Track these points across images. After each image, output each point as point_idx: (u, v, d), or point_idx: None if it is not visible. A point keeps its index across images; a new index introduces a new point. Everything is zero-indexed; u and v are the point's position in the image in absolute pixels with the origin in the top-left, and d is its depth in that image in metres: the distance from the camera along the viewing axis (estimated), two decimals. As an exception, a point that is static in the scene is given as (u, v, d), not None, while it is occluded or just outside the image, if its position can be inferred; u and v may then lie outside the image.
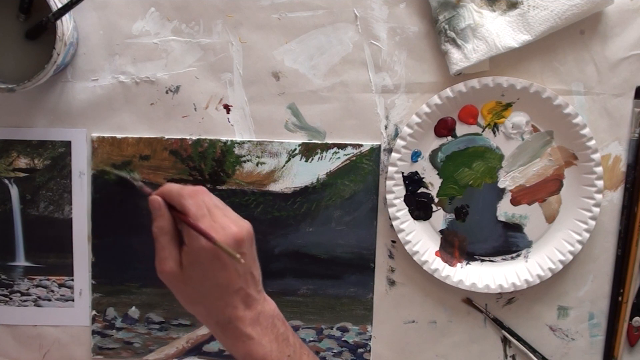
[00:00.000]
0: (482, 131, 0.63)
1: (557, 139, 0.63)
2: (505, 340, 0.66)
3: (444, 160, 0.63)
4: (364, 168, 0.64)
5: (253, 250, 0.52)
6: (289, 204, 0.64)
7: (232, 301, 0.50)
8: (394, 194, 0.63)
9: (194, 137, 0.63)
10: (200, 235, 0.48)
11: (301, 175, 0.64)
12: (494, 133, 0.63)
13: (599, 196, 0.62)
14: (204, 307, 0.51)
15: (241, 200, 0.63)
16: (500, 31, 0.60)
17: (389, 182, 0.62)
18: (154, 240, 0.51)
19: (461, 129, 0.63)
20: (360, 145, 0.63)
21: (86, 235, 0.64)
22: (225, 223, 0.50)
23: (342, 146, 0.63)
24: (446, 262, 0.65)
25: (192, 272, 0.50)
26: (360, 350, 0.66)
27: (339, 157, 0.63)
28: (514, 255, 0.65)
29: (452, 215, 0.64)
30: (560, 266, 0.63)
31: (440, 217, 0.64)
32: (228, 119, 0.63)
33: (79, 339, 0.66)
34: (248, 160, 0.63)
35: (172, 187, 0.52)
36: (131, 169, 0.63)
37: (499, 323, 0.66)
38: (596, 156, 0.62)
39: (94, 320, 0.65)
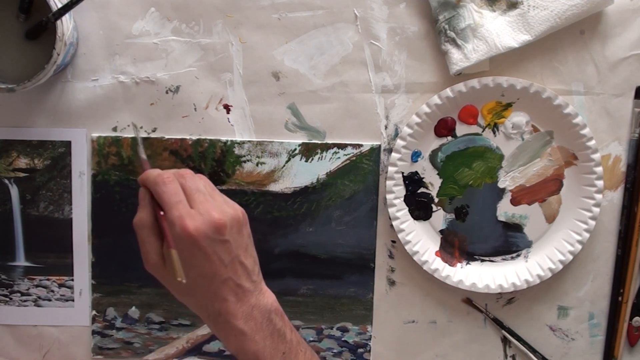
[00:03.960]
0: (482, 131, 0.63)
1: (557, 139, 0.63)
2: (505, 340, 0.66)
3: (444, 160, 0.63)
4: (364, 168, 0.64)
5: (243, 238, 0.49)
6: (289, 204, 0.64)
7: (221, 292, 0.48)
8: (394, 194, 0.63)
9: (194, 137, 0.63)
10: (173, 225, 0.46)
11: (301, 175, 0.64)
12: (494, 133, 0.63)
13: (599, 196, 0.62)
14: (194, 299, 0.49)
15: (241, 200, 0.63)
16: (500, 31, 0.60)
17: (389, 182, 0.62)
18: (135, 233, 0.49)
19: (461, 129, 0.63)
20: (360, 145, 0.63)
21: (86, 235, 0.64)
22: (205, 208, 0.47)
23: (342, 146, 0.63)
24: (446, 262, 0.65)
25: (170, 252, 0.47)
26: (360, 350, 0.66)
27: (339, 157, 0.63)
28: (514, 255, 0.65)
29: (452, 215, 0.64)
30: (560, 266, 0.63)
31: (440, 217, 0.64)
32: (228, 119, 0.63)
33: (79, 339, 0.66)
34: (248, 160, 0.63)
35: (150, 174, 0.49)
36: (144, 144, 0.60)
37: (499, 323, 0.66)
38: (596, 156, 0.62)
39: (94, 320, 0.65)
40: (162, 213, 0.48)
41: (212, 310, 0.48)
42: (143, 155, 0.55)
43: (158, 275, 0.49)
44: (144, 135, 0.63)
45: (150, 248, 0.49)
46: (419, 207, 0.64)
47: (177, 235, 0.46)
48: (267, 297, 0.50)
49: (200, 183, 0.50)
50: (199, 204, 0.47)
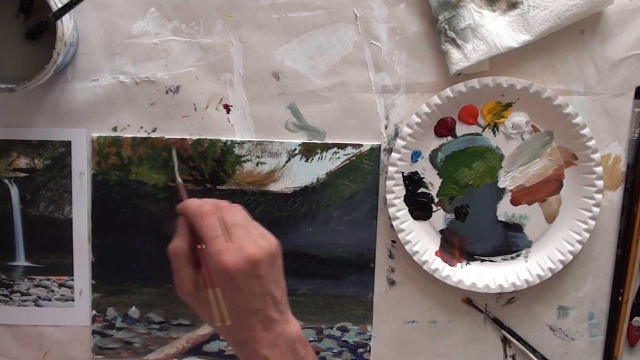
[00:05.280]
0: (482, 131, 0.63)
1: (557, 139, 0.63)
2: (505, 340, 0.66)
3: (444, 160, 0.63)
4: (364, 168, 0.64)
5: (274, 270, 0.50)
6: (289, 204, 0.64)
7: (249, 322, 0.49)
8: (394, 194, 0.63)
9: (194, 137, 0.63)
10: (210, 259, 0.48)
11: (301, 175, 0.64)
12: (494, 133, 0.63)
13: (598, 196, 0.62)
14: (222, 326, 0.50)
15: (241, 200, 0.63)
16: (500, 31, 0.60)
17: (389, 182, 0.62)
18: (170, 259, 0.51)
19: (461, 129, 0.63)
20: (360, 145, 0.63)
21: (86, 235, 0.64)
22: (242, 243, 0.48)
23: (342, 146, 0.63)
24: (446, 262, 0.65)
25: (207, 293, 0.49)
26: (360, 350, 0.66)
27: (339, 157, 0.63)
28: (514, 255, 0.65)
29: (452, 215, 0.64)
30: (560, 266, 0.63)
31: (440, 217, 0.64)
32: (228, 119, 0.63)
33: (79, 339, 0.66)
34: (248, 160, 0.63)
35: (191, 205, 0.51)
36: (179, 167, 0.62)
37: (499, 323, 0.66)
38: (596, 156, 0.62)
39: (94, 320, 0.65)
40: (200, 247, 0.50)
41: (239, 337, 0.50)
42: (179, 180, 0.58)
43: (190, 302, 0.51)
44: (144, 135, 0.63)
45: (184, 276, 0.50)
46: (419, 207, 0.64)
47: (214, 269, 0.48)
48: (293, 326, 0.51)
49: (237, 215, 0.51)
50: (236, 239, 0.49)
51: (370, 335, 0.66)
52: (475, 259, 0.65)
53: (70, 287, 0.65)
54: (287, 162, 0.63)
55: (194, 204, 0.51)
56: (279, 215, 0.64)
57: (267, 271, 0.49)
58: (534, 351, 0.66)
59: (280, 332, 0.50)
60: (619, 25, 0.62)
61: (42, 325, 0.65)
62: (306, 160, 0.63)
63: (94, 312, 0.65)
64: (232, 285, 0.48)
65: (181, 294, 0.51)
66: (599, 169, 0.62)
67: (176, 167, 0.61)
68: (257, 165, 0.63)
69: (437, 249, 0.65)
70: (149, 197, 0.63)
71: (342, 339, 0.66)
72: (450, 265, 0.65)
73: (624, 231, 0.64)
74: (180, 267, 0.50)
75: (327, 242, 0.64)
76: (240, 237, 0.49)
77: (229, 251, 0.48)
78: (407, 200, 0.64)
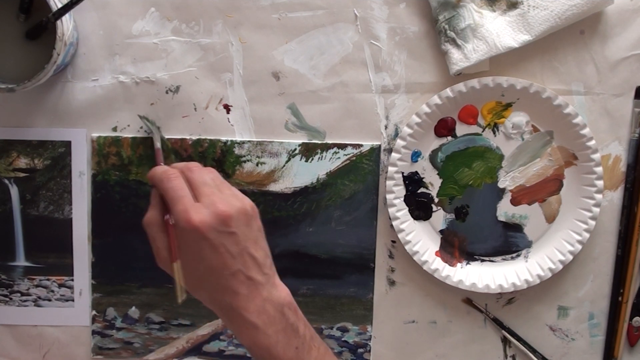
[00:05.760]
0: (482, 131, 0.63)
1: (557, 139, 0.63)
2: (505, 340, 0.66)
3: (444, 160, 0.63)
4: (364, 168, 0.64)
5: (252, 230, 0.49)
6: (289, 204, 0.64)
7: (231, 285, 0.47)
8: (394, 194, 0.63)
9: (194, 137, 0.63)
10: (178, 220, 0.47)
11: (301, 175, 0.64)
12: (494, 133, 0.63)
13: (599, 196, 0.62)
14: (206, 293, 0.49)
15: (241, 200, 0.63)
16: (500, 31, 0.60)
17: (389, 182, 0.62)
18: (145, 232, 0.50)
19: (461, 129, 0.63)
20: (360, 145, 0.63)
21: (86, 235, 0.64)
22: (211, 201, 0.47)
23: (342, 146, 0.63)
24: (446, 262, 0.65)
25: (184, 257, 0.48)
26: (360, 350, 0.66)
27: (339, 157, 0.63)
28: (514, 255, 0.65)
29: (452, 215, 0.64)
30: (560, 266, 0.63)
31: (440, 217, 0.64)
32: (228, 119, 0.63)
33: (79, 339, 0.66)
34: (248, 160, 0.63)
35: (156, 171, 0.50)
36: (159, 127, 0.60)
37: (499, 323, 0.66)
38: (596, 156, 0.62)
39: (94, 320, 0.65)
40: (167, 217, 0.49)
41: (224, 304, 0.48)
42: (158, 145, 0.55)
43: (170, 271, 0.50)
44: (144, 135, 0.63)
45: (160, 244, 0.49)
46: (419, 207, 0.64)
47: (183, 228, 0.47)
48: (280, 291, 0.50)
49: (207, 176, 0.50)
50: (205, 197, 0.48)
51: (370, 336, 0.66)
52: (475, 259, 0.65)
53: (70, 287, 0.65)
54: (287, 162, 0.63)
55: (160, 169, 0.50)
56: (279, 215, 0.64)
57: (241, 230, 0.47)
58: (534, 351, 0.66)
59: (266, 297, 0.48)
60: (619, 25, 0.62)
61: (42, 325, 0.65)
62: (306, 160, 0.63)
63: (94, 312, 0.65)
64: (205, 245, 0.46)
65: (160, 264, 0.50)
66: (599, 169, 0.62)
67: (156, 133, 0.58)
68: (257, 165, 0.63)
69: (437, 249, 0.65)
70: (149, 197, 0.63)
71: (342, 339, 0.66)
72: (450, 265, 0.65)
73: (624, 231, 0.64)
74: (156, 236, 0.49)
75: (327, 242, 0.64)
76: (209, 196, 0.47)
77: (196, 209, 0.46)
78: (407, 200, 0.64)
